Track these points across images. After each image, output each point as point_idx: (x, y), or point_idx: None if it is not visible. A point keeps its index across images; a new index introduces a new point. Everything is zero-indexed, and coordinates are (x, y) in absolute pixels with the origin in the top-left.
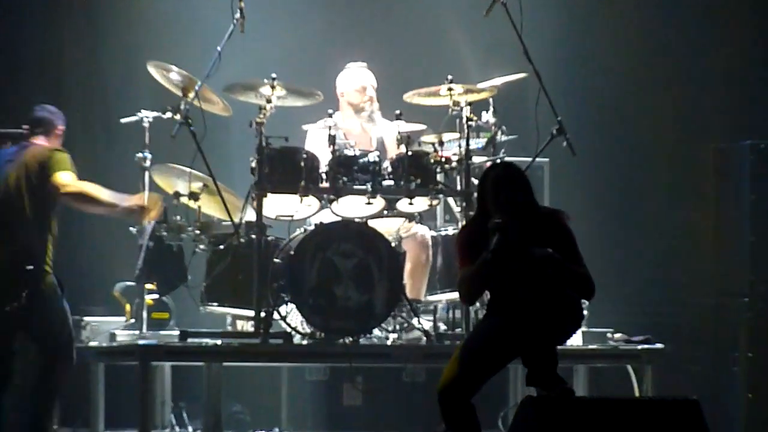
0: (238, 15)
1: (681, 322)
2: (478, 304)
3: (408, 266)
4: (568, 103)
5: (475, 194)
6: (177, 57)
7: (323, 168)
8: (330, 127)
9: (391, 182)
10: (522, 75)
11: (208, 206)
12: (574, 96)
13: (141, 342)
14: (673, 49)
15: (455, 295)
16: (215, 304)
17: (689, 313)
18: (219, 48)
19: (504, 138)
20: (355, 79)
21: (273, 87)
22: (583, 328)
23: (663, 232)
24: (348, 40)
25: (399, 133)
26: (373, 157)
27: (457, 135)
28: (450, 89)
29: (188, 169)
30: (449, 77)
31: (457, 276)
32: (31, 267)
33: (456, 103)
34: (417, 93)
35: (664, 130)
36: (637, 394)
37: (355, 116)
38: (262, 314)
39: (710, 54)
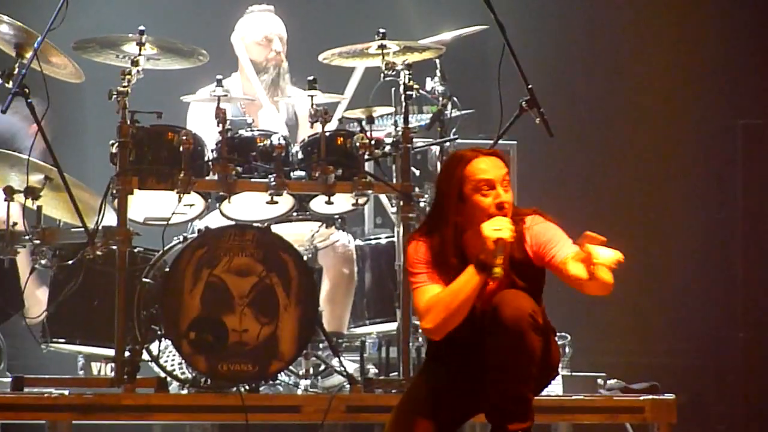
0: None
1: (700, 363)
2: (421, 339)
3: (326, 287)
4: (541, 66)
5: (431, 188)
6: (8, 3)
7: (210, 154)
8: (219, 98)
9: (303, 173)
10: (479, 28)
11: (53, 207)
12: (551, 58)
13: None
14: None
15: (390, 327)
16: (62, 340)
17: (712, 352)
18: None
19: (456, 113)
20: (257, 28)
21: (140, 44)
22: (565, 371)
23: (673, 236)
24: None
25: (313, 106)
26: (278, 139)
27: (391, 109)
28: (382, 47)
29: (24, 156)
30: (380, 31)
31: (402, 300)
32: None
33: (390, 66)
34: (338, 52)
35: (667, 104)
36: None
37: (257, 81)
38: (126, 354)
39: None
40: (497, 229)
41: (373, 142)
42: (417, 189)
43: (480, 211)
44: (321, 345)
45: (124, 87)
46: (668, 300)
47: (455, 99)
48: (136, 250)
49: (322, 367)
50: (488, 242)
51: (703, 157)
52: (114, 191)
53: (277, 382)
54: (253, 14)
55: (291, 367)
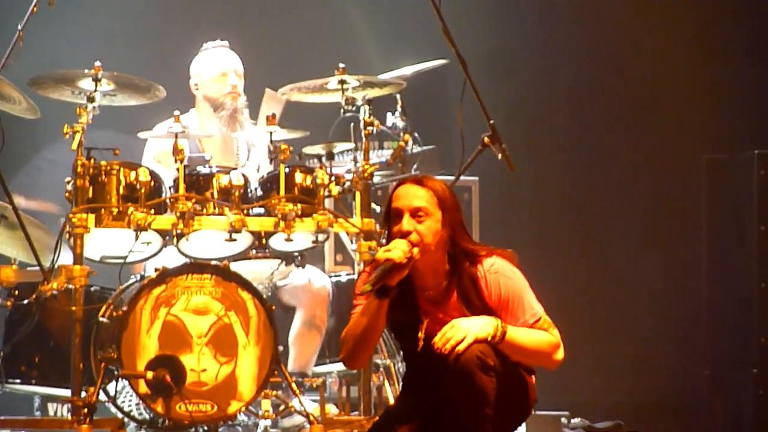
0: None
1: (665, 401)
2: (384, 378)
3: (296, 326)
4: (503, 102)
5: (379, 223)
6: None
7: (168, 191)
8: (177, 134)
9: (262, 210)
10: (440, 62)
11: (7, 245)
12: (512, 92)
13: None
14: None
15: None
16: (18, 381)
17: (677, 389)
18: (20, 26)
19: (417, 149)
20: (213, 64)
21: (97, 80)
22: None
23: (636, 273)
24: (204, 17)
25: (272, 143)
26: (236, 176)
27: (352, 145)
28: (342, 82)
29: None
30: (340, 65)
31: None
32: None
33: (350, 102)
34: (297, 87)
35: (631, 139)
36: None
37: (214, 117)
38: (83, 395)
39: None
40: (388, 250)
41: (333, 178)
42: (377, 226)
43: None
44: (282, 384)
45: (80, 123)
46: (632, 337)
47: (416, 134)
48: (92, 289)
49: (283, 407)
50: (378, 263)
51: (667, 193)
52: (69, 229)
53: (237, 422)
54: (207, 51)
55: (250, 407)
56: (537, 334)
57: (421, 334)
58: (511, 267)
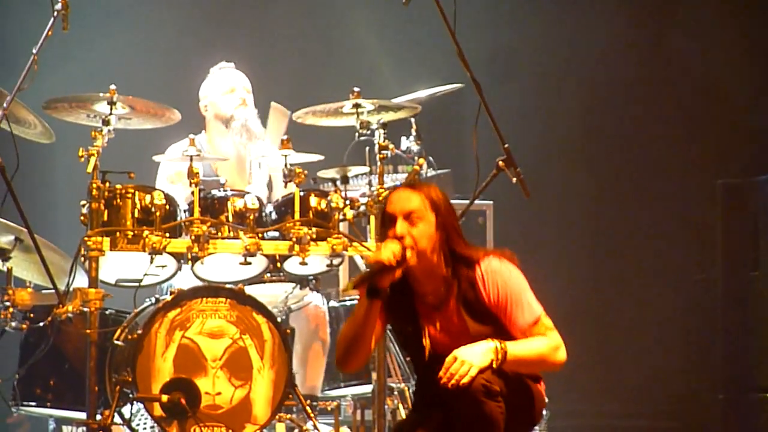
0: (59, 5)
1: (680, 426)
2: (399, 402)
3: (298, 349)
4: (517, 125)
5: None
6: None
7: (183, 215)
8: (192, 157)
9: (277, 234)
10: (455, 86)
11: (23, 268)
12: (528, 116)
13: None
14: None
15: (365, 389)
16: (33, 403)
17: (692, 414)
18: (35, 50)
19: (431, 172)
20: (222, 82)
21: (112, 103)
22: None
23: (652, 297)
24: (216, 43)
25: (286, 166)
26: (251, 199)
27: (366, 169)
28: (357, 106)
29: None
30: (355, 89)
31: (377, 361)
32: None
33: (365, 125)
34: (312, 111)
35: (646, 163)
36: None
37: (226, 135)
38: (98, 418)
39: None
40: (378, 251)
41: (347, 202)
42: None
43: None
44: (295, 408)
45: (95, 146)
46: (647, 361)
47: (431, 158)
48: (107, 312)
49: (297, 429)
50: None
51: (682, 217)
52: (84, 253)
53: None
54: (214, 74)
55: (265, 431)
56: (536, 343)
57: (425, 342)
58: (509, 266)
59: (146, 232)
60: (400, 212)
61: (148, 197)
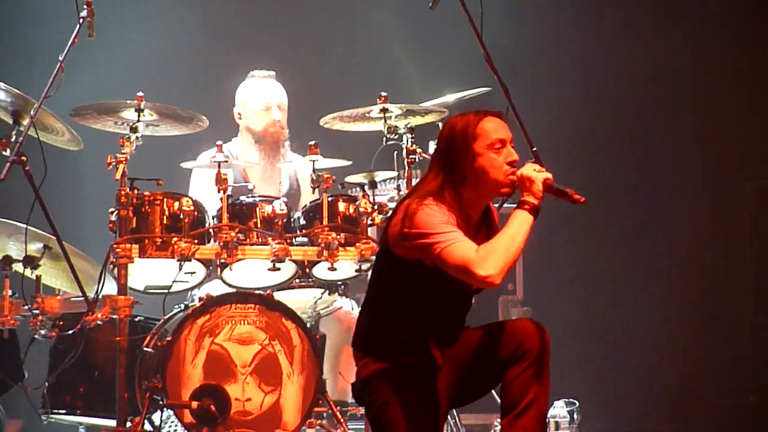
0: (84, 13)
1: (710, 430)
2: None
3: (329, 355)
4: (546, 128)
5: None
6: (5, 70)
7: (211, 221)
8: (220, 164)
9: (305, 239)
10: (483, 90)
11: (52, 276)
12: (555, 119)
13: None
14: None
15: None
16: (62, 411)
17: (723, 418)
18: (61, 57)
19: None
20: (258, 95)
21: (140, 110)
22: None
23: (681, 303)
24: (242, 49)
25: (314, 171)
26: (279, 205)
27: (394, 173)
28: (384, 110)
29: (23, 225)
30: (383, 94)
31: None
32: None
33: (393, 130)
34: (339, 116)
35: (675, 166)
36: None
37: (257, 147)
38: (128, 425)
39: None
40: (538, 170)
41: (376, 206)
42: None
43: (493, 169)
44: (325, 414)
45: (123, 154)
46: (676, 366)
47: None
48: (136, 319)
49: None
50: (537, 183)
51: (712, 220)
52: (113, 260)
53: None
54: (254, 80)
55: None
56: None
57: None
58: None
59: (175, 239)
60: (509, 139)
61: (176, 204)
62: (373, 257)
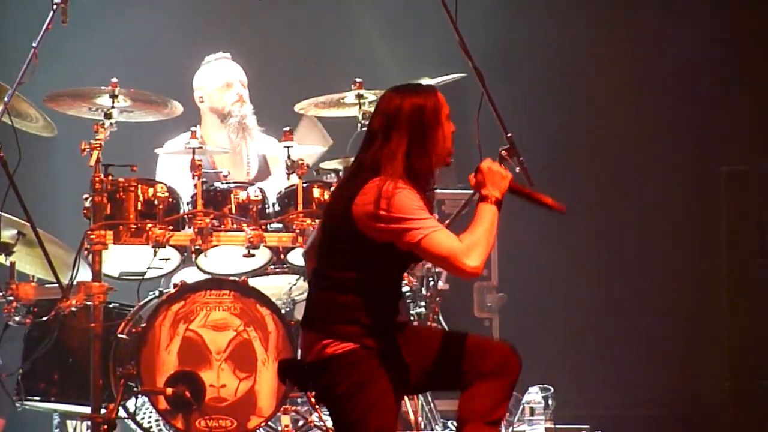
0: None
1: (686, 414)
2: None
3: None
4: (520, 113)
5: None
6: None
7: (185, 207)
8: (194, 150)
9: (280, 225)
10: (457, 75)
11: (26, 262)
12: (529, 106)
13: None
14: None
15: None
16: (36, 398)
17: (697, 402)
18: (34, 44)
19: None
20: (218, 75)
21: (113, 96)
22: (549, 424)
23: (655, 286)
24: (215, 33)
25: (289, 158)
26: (254, 191)
27: None
28: (359, 96)
29: None
30: (357, 80)
31: None
32: None
33: (368, 116)
34: (314, 102)
35: (649, 151)
36: None
37: (221, 128)
38: (102, 411)
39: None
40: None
41: None
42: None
43: (447, 140)
44: (300, 400)
45: (97, 140)
46: (652, 350)
47: None
48: (111, 306)
49: (302, 422)
50: (506, 181)
51: (686, 205)
52: (87, 246)
53: None
54: (210, 64)
55: (270, 423)
56: None
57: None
58: None
59: (149, 225)
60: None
61: (150, 190)
62: None
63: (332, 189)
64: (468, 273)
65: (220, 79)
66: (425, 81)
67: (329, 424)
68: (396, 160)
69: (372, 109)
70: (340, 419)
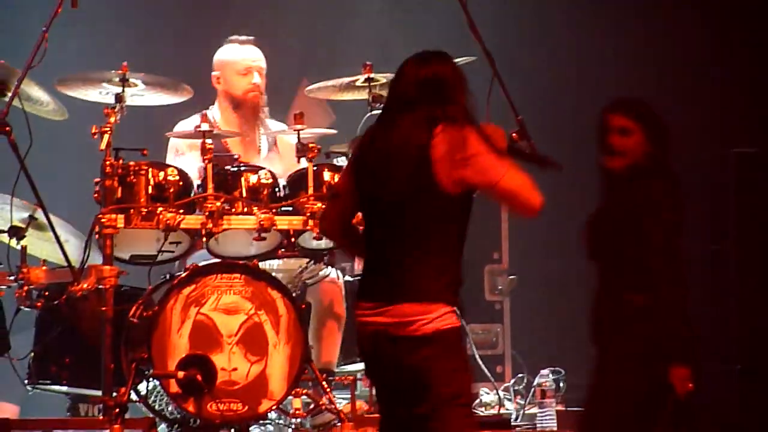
0: None
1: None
2: None
3: (314, 324)
4: (532, 97)
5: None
6: None
7: (196, 191)
8: (204, 133)
9: (291, 209)
10: (468, 59)
11: (37, 246)
12: (540, 88)
13: None
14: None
15: None
16: (48, 381)
17: (708, 385)
18: (44, 27)
19: None
20: (237, 59)
21: (125, 80)
22: (560, 407)
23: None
24: (226, 15)
25: (300, 141)
26: (265, 175)
27: None
28: (370, 80)
29: (7, 196)
30: (367, 63)
31: None
32: None
33: (378, 99)
34: (324, 85)
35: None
36: None
37: (236, 112)
38: (114, 395)
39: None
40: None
41: None
42: None
43: None
44: (311, 382)
45: (108, 124)
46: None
47: None
48: (122, 289)
49: (313, 405)
50: (504, 138)
51: (697, 187)
52: (98, 230)
53: (267, 421)
54: (232, 45)
55: (281, 406)
56: None
57: None
58: None
59: (160, 209)
60: None
61: (161, 174)
62: (358, 226)
63: (364, 165)
64: (538, 210)
65: (239, 65)
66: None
67: (340, 406)
68: (461, 111)
69: (382, 92)
70: (439, 393)
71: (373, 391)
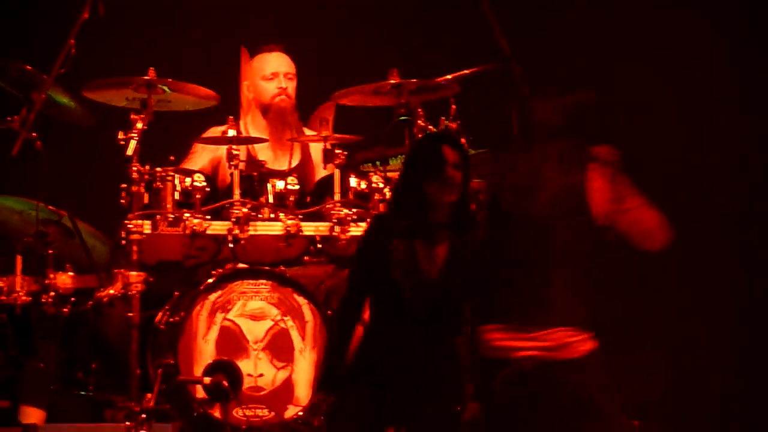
0: None
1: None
2: None
3: None
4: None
5: None
6: (16, 46)
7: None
8: (231, 139)
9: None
10: (495, 66)
11: (64, 252)
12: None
13: None
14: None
15: None
16: (74, 387)
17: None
18: (71, 34)
19: (470, 152)
20: (265, 66)
21: (152, 86)
22: None
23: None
24: (253, 23)
25: (326, 147)
26: (291, 181)
27: (405, 149)
28: (396, 86)
29: (34, 202)
30: (394, 70)
31: None
32: None
33: (404, 106)
34: (350, 92)
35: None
36: None
37: (265, 119)
38: (140, 401)
39: None
40: None
41: (387, 182)
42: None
43: None
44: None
45: (135, 130)
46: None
47: (470, 138)
48: (148, 295)
49: None
50: None
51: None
52: (126, 235)
53: (293, 427)
54: (261, 54)
55: (308, 411)
56: None
57: None
58: None
59: (187, 215)
60: None
61: (188, 180)
62: None
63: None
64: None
65: (266, 71)
66: (462, 71)
67: None
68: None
69: (408, 99)
70: (597, 416)
71: None
